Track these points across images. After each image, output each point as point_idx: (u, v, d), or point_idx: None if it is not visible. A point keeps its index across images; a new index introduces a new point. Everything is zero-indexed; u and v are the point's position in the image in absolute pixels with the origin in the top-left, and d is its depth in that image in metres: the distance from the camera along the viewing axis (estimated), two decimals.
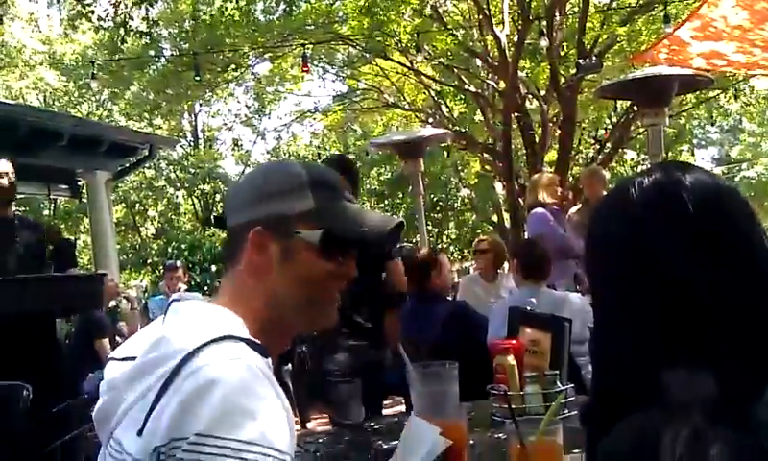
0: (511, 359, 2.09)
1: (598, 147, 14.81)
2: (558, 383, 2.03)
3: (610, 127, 14.77)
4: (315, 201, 1.16)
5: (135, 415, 1.00)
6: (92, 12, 10.36)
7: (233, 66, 14.14)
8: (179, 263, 8.12)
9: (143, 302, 8.09)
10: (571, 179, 11.98)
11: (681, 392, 0.76)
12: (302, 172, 1.18)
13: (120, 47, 11.81)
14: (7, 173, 4.49)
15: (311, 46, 12.53)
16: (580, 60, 10.94)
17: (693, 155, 22.16)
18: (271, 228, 1.14)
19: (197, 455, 0.90)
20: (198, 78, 11.42)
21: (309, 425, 6.33)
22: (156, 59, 14.54)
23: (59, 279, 4.37)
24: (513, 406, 1.50)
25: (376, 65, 14.52)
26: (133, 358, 1.07)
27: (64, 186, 9.86)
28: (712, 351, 0.80)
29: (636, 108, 10.68)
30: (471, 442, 1.78)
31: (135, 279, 19.87)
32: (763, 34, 5.36)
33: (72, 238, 12.61)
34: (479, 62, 13.47)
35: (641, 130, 12.64)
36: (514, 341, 2.19)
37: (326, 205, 1.17)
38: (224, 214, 1.23)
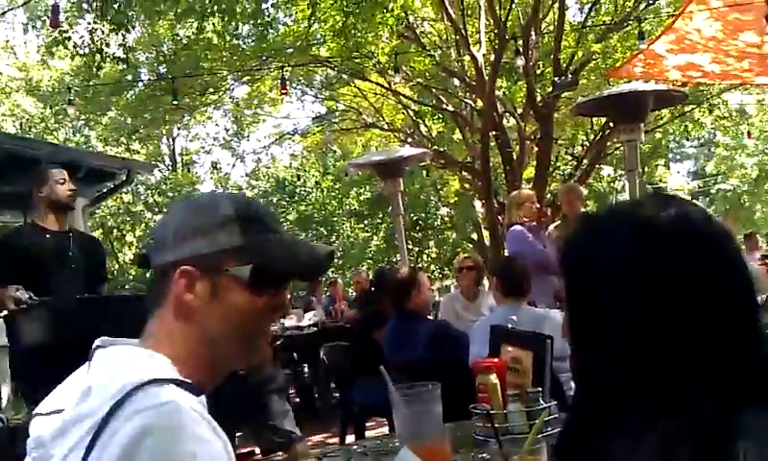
0: (493, 378, 2.08)
1: (575, 163, 14.94)
2: (541, 400, 2.02)
3: (586, 143, 14.91)
4: (243, 236, 1.14)
5: None
6: (69, 38, 10.31)
7: (211, 90, 14.14)
8: None
9: None
10: (549, 195, 12.06)
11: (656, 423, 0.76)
12: (229, 206, 1.15)
13: (97, 73, 11.75)
14: (67, 179, 4.07)
15: (289, 69, 12.56)
16: (556, 78, 11.07)
17: (669, 169, 22.46)
18: (198, 265, 1.12)
19: None
20: (176, 102, 11.38)
21: None
22: (134, 83, 14.48)
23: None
24: (496, 425, 1.50)
25: (355, 86, 14.59)
26: (59, 411, 1.03)
27: None
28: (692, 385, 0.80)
29: (612, 124, 10.80)
30: None
31: None
32: (736, 44, 5.46)
33: None
34: (457, 82, 13.59)
35: (618, 145, 12.79)
36: (496, 359, 2.18)
37: (255, 239, 1.15)
38: (147, 253, 1.19)
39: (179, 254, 1.13)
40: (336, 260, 20.15)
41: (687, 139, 18.04)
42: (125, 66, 11.61)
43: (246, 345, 1.17)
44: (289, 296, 1.25)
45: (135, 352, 1.09)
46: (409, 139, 14.94)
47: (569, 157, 16.14)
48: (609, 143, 13.50)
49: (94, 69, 11.21)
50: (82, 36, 10.42)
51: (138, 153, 21.04)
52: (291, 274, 1.23)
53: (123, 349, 1.10)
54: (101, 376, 1.03)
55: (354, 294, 10.27)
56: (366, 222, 21.76)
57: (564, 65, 12.02)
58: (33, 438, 1.05)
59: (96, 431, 0.94)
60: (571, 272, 0.94)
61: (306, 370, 8.18)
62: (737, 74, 6.10)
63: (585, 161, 14.30)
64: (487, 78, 11.45)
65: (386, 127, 15.48)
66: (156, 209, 21.65)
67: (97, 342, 1.13)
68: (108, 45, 10.45)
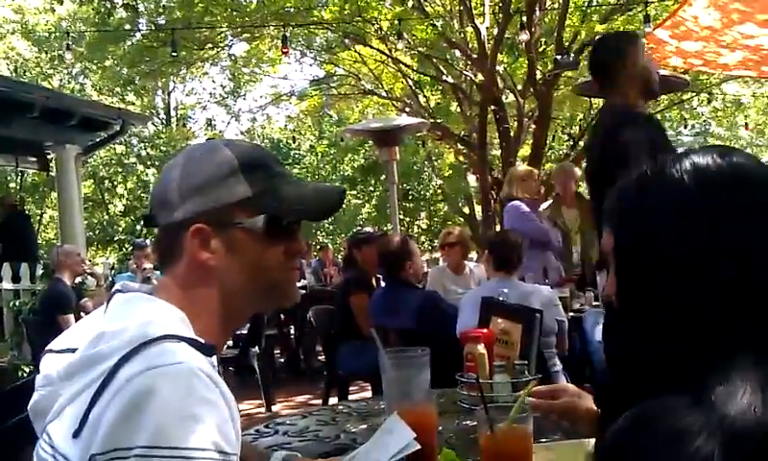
0: (481, 348, 2.10)
1: (572, 143, 14.93)
2: (526, 373, 2.05)
3: (584, 124, 14.89)
4: (251, 185, 1.12)
5: (71, 413, 0.97)
6: None
7: (210, 45, 13.98)
8: (147, 242, 8.05)
9: (109, 278, 8.00)
10: (543, 174, 12.07)
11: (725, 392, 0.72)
12: (230, 156, 1.13)
13: (96, 20, 11.61)
14: None
15: (290, 28, 12.43)
16: (558, 57, 11.02)
17: None
18: (209, 222, 1.11)
19: None
20: (174, 54, 11.24)
21: (275, 408, 6.33)
22: (132, 32, 14.29)
23: None
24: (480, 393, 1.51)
25: (355, 51, 14.47)
26: (72, 350, 1.03)
27: (33, 159, 9.70)
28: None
29: None
30: (440, 428, 1.79)
31: (102, 255, 19.64)
32: (738, 33, 5.43)
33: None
34: (458, 54, 13.49)
35: None
36: (485, 330, 2.21)
37: (262, 187, 1.13)
38: (153, 212, 1.17)
39: (187, 211, 1.11)
40: (327, 225, 20.15)
41: (685, 127, 18.00)
42: (135, 14, 11.46)
43: (269, 293, 1.18)
44: None
45: (153, 303, 1.08)
46: (407, 109, 14.86)
47: (566, 137, 16.13)
48: None
49: (103, 15, 11.05)
50: None
51: (133, 104, 20.85)
52: (304, 217, 1.22)
53: (141, 298, 1.10)
54: (115, 322, 1.02)
55: (343, 260, 10.29)
56: (358, 188, 21.73)
57: (567, 44, 11.96)
58: (43, 374, 1.05)
59: (104, 380, 0.94)
60: (625, 217, 0.90)
61: (293, 331, 8.22)
62: (738, 65, 6.07)
63: (581, 142, 14.29)
64: (488, 51, 11.40)
65: (384, 95, 15.39)
66: (149, 163, 21.53)
67: (117, 286, 1.13)
68: None
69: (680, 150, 1.01)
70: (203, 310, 1.10)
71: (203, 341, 1.03)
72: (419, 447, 1.23)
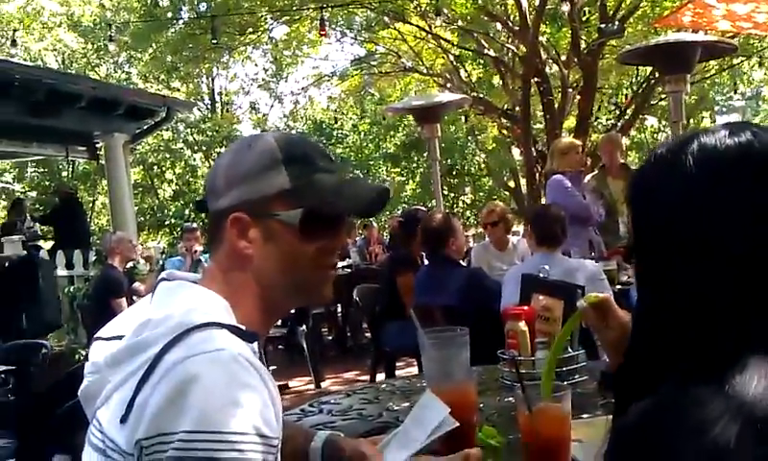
0: (522, 325, 2.10)
1: (618, 113, 14.63)
2: (569, 349, 2.04)
3: (630, 93, 14.56)
4: (290, 178, 1.13)
5: (118, 399, 1.00)
6: None
7: (251, 29, 14.06)
8: (195, 225, 8.21)
9: (160, 262, 8.19)
10: (590, 145, 11.87)
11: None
12: (275, 147, 1.14)
13: (140, 9, 11.78)
14: None
15: (329, 9, 12.42)
16: (602, 25, 10.79)
17: (714, 122, 21.87)
18: (249, 211, 1.12)
19: (190, 452, 0.91)
20: (215, 41, 11.35)
21: (324, 385, 6.42)
22: (173, 21, 14.46)
23: None
24: (522, 371, 1.51)
25: (395, 29, 14.38)
26: (120, 337, 1.06)
27: (82, 148, 9.92)
28: None
29: (657, 74, 10.52)
30: (481, 405, 1.80)
31: (153, 240, 20.06)
32: None
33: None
34: (499, 26, 13.31)
35: (663, 96, 12.48)
36: (526, 307, 2.20)
37: (302, 181, 1.13)
38: (205, 198, 1.20)
39: (230, 200, 1.13)
40: None
41: (735, 92, 17.45)
42: (177, 2, 11.58)
43: (303, 289, 1.18)
44: None
45: (197, 291, 1.11)
46: (448, 84, 14.74)
47: (612, 107, 15.80)
48: (653, 93, 13.17)
49: (148, 4, 11.17)
50: None
51: (178, 91, 21.13)
52: (342, 213, 1.21)
53: (185, 286, 1.13)
54: (160, 310, 1.06)
55: (389, 237, 10.32)
56: (401, 166, 21.69)
57: (611, 12, 11.69)
58: (91, 362, 1.09)
59: (149, 367, 0.97)
60: (638, 200, 0.89)
61: (340, 310, 8.29)
62: None
63: (628, 112, 14.00)
64: (530, 23, 11.21)
65: (425, 71, 15.28)
66: (196, 148, 21.85)
67: (163, 274, 1.17)
68: None
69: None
70: (242, 298, 1.12)
71: (244, 328, 1.05)
72: (456, 424, 1.24)
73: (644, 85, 13.20)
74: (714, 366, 0.74)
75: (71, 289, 8.05)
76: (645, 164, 0.91)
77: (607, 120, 15.59)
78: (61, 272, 8.17)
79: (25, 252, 6.38)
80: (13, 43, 13.23)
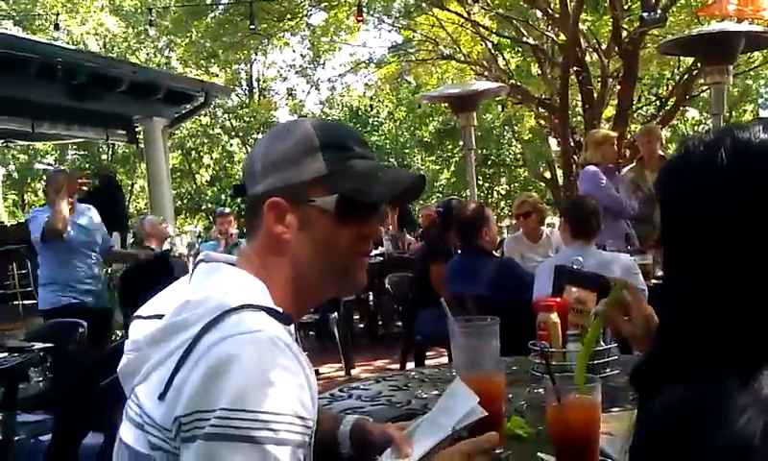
0: (554, 317, 2.08)
1: (659, 104, 14.37)
2: (601, 342, 2.02)
3: (672, 84, 14.29)
4: (327, 164, 1.13)
5: (157, 377, 1.02)
6: None
7: (289, 16, 14.11)
8: (228, 210, 8.28)
9: (196, 246, 8.29)
10: (629, 136, 11.68)
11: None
12: (312, 134, 1.15)
13: None
14: None
15: None
16: (644, 14, 10.59)
17: (758, 115, 21.36)
18: (286, 197, 1.13)
19: (226, 429, 0.92)
20: (253, 26, 11.41)
21: (354, 372, 6.45)
22: (213, 6, 14.57)
23: None
24: (552, 363, 1.50)
25: (433, 15, 14.29)
26: (159, 316, 1.08)
27: (122, 132, 10.07)
28: None
29: (699, 64, 10.32)
30: (510, 396, 1.80)
31: (190, 224, 20.33)
32: None
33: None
34: (539, 14, 13.14)
35: (704, 87, 12.23)
36: (558, 299, 2.18)
37: (338, 167, 1.14)
38: (243, 183, 1.21)
39: (267, 185, 1.14)
40: None
41: None
42: None
43: (337, 275, 1.19)
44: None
45: (234, 273, 1.12)
46: (486, 72, 14.60)
47: (653, 98, 15.53)
48: (695, 85, 12.91)
49: None
50: None
51: (217, 76, 21.33)
52: (377, 201, 1.21)
53: (223, 268, 1.14)
54: (200, 290, 1.08)
55: (422, 227, 10.29)
56: (436, 154, 21.62)
57: (654, 0, 11.46)
58: (131, 339, 1.11)
59: (189, 346, 0.99)
60: (669, 193, 0.89)
61: (372, 298, 8.32)
62: None
63: (669, 103, 13.74)
64: (571, 10, 11.04)
65: (463, 59, 15.17)
66: (233, 133, 22.06)
67: (200, 256, 1.18)
68: None
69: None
70: (278, 282, 1.13)
71: (281, 310, 1.07)
72: (484, 413, 1.24)
73: (686, 76, 12.93)
74: (742, 361, 0.74)
75: (109, 270, 8.19)
76: (677, 157, 0.90)
77: (647, 111, 15.33)
78: None
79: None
80: (56, 27, 13.47)
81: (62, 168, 5.18)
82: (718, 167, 0.82)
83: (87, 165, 20.58)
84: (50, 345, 3.34)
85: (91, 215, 5.11)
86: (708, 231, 0.81)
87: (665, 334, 0.88)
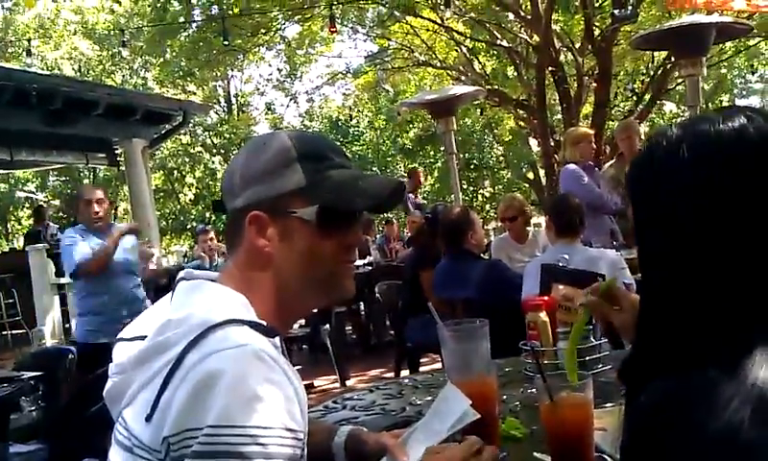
0: (543, 316, 2.09)
1: (635, 99, 14.49)
2: (591, 338, 2.03)
3: (647, 79, 14.42)
4: (306, 175, 1.13)
5: (143, 398, 1.02)
6: None
7: (263, 30, 14.09)
8: (209, 226, 8.24)
9: (183, 267, 8.25)
10: (608, 133, 11.77)
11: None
12: (289, 145, 1.14)
13: (152, 15, 11.85)
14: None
15: (340, 6, 12.41)
16: (615, 11, 10.69)
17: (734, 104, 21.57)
18: (266, 209, 1.13)
19: (214, 446, 0.92)
20: (226, 42, 11.40)
21: (349, 383, 6.43)
22: (185, 25, 14.53)
23: None
24: (544, 362, 1.51)
25: (407, 23, 14.35)
26: (142, 337, 1.07)
27: (102, 155, 10.03)
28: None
29: (673, 58, 10.43)
30: (504, 397, 1.80)
31: (176, 244, 20.21)
32: None
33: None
34: (511, 16, 13.23)
35: (680, 81, 12.35)
36: (546, 297, 2.19)
37: (318, 178, 1.14)
38: (222, 198, 1.21)
39: (246, 199, 1.14)
40: None
41: (753, 73, 17.23)
42: (188, 6, 11.62)
43: (323, 284, 1.18)
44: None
45: (216, 289, 1.12)
46: (463, 77, 14.67)
47: (629, 93, 15.66)
48: (670, 78, 13.04)
49: (160, 10, 11.24)
50: None
51: (195, 94, 21.28)
52: (357, 210, 1.21)
53: (204, 285, 1.14)
54: (182, 308, 1.07)
55: (408, 234, 10.32)
56: (419, 160, 21.67)
57: None
58: (115, 363, 1.10)
59: (173, 365, 0.99)
60: (636, 186, 0.92)
61: (362, 308, 8.32)
62: None
63: (645, 97, 13.86)
64: (543, 12, 11.13)
65: (439, 64, 15.24)
66: (214, 150, 22.00)
67: (181, 274, 1.17)
68: None
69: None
70: (262, 296, 1.13)
71: (265, 323, 1.06)
72: (477, 416, 1.24)
73: (660, 71, 13.06)
74: (725, 350, 0.75)
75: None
76: (642, 153, 0.92)
77: (624, 107, 15.45)
78: None
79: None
80: (29, 53, 13.36)
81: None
82: (680, 161, 0.84)
83: (69, 190, 20.44)
84: (40, 373, 3.31)
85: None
86: (675, 225, 0.83)
87: (645, 329, 0.90)
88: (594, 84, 12.17)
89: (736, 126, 0.83)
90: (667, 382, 0.77)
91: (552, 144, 12.08)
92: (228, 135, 21.56)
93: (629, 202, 0.93)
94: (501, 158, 20.59)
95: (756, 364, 0.72)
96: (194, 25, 14.56)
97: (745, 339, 0.75)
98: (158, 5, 11.40)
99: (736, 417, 0.69)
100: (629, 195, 0.93)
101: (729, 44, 12.63)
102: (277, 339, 1.09)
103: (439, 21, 13.28)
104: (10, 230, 23.31)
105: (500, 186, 21.86)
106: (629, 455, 0.79)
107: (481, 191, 22.51)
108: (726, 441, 0.69)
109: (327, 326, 6.56)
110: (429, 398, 1.96)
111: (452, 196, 7.34)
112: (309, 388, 6.12)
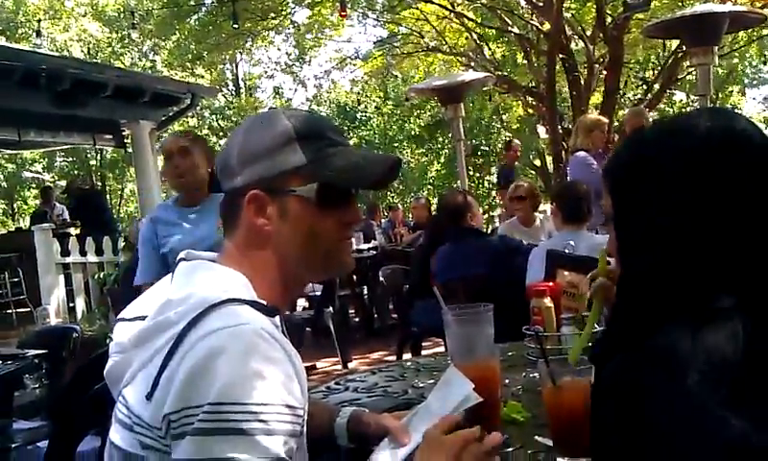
0: (547, 302, 2.08)
1: (645, 88, 14.41)
2: (596, 325, 2.02)
3: (658, 67, 14.32)
4: (305, 154, 1.14)
5: (143, 377, 1.02)
6: None
7: (273, 14, 14.05)
8: None
9: None
10: (617, 121, 11.71)
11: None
12: (288, 125, 1.15)
13: None
14: None
15: None
16: None
17: (744, 95, 21.44)
18: (266, 188, 1.13)
19: (215, 423, 0.92)
20: (236, 25, 11.36)
21: (351, 365, 6.45)
22: (196, 8, 14.50)
23: None
24: (547, 347, 1.50)
25: (417, 9, 14.27)
26: (142, 318, 1.08)
27: (109, 136, 10.02)
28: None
29: (684, 47, 10.35)
30: (507, 381, 1.80)
31: None
32: None
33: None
34: (522, 3, 13.15)
35: (690, 70, 12.26)
36: (551, 283, 2.18)
37: (317, 156, 1.15)
38: (218, 178, 1.21)
39: (245, 178, 1.14)
40: (397, 185, 20.15)
41: (765, 63, 17.07)
42: None
43: (323, 260, 1.19)
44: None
45: (216, 269, 1.13)
46: (472, 63, 14.60)
47: (639, 82, 15.56)
48: (681, 67, 12.94)
49: None
50: None
51: (203, 77, 21.25)
52: (357, 187, 1.22)
53: (204, 265, 1.15)
54: (182, 288, 1.08)
55: (413, 220, 10.32)
56: (426, 147, 21.60)
57: None
58: (116, 342, 1.11)
59: (173, 344, 0.99)
60: (613, 176, 0.99)
61: (366, 291, 8.33)
62: None
63: (655, 86, 13.78)
64: None
65: (448, 51, 15.15)
66: (221, 133, 21.99)
67: (181, 254, 1.18)
68: None
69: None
70: (262, 275, 1.14)
71: (264, 302, 1.07)
72: (479, 399, 1.24)
73: (671, 59, 12.96)
74: (684, 321, 0.83)
75: (101, 275, 8.17)
76: (626, 143, 1.01)
77: (634, 95, 15.36)
78: (92, 258, 8.31)
79: None
80: (38, 34, 13.38)
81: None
82: (664, 158, 0.91)
83: (77, 171, 20.49)
84: (44, 351, 3.33)
85: None
86: (656, 214, 0.91)
87: (618, 311, 0.98)
88: (605, 73, 12.10)
89: (708, 125, 0.91)
90: (624, 355, 0.84)
91: (561, 132, 12.03)
92: (235, 119, 21.53)
93: (606, 191, 1.01)
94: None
95: (709, 330, 0.80)
96: (204, 8, 14.53)
97: (705, 310, 0.83)
98: None
99: (692, 378, 0.75)
100: (607, 185, 1.00)
101: (741, 33, 12.51)
102: (277, 318, 1.10)
103: (450, 7, 13.20)
104: (16, 210, 23.41)
105: None
106: (595, 426, 0.86)
107: (487, 178, 22.43)
108: (675, 405, 0.75)
109: (331, 308, 6.57)
110: (431, 381, 1.96)
111: (458, 182, 7.31)
112: (311, 370, 6.14)
